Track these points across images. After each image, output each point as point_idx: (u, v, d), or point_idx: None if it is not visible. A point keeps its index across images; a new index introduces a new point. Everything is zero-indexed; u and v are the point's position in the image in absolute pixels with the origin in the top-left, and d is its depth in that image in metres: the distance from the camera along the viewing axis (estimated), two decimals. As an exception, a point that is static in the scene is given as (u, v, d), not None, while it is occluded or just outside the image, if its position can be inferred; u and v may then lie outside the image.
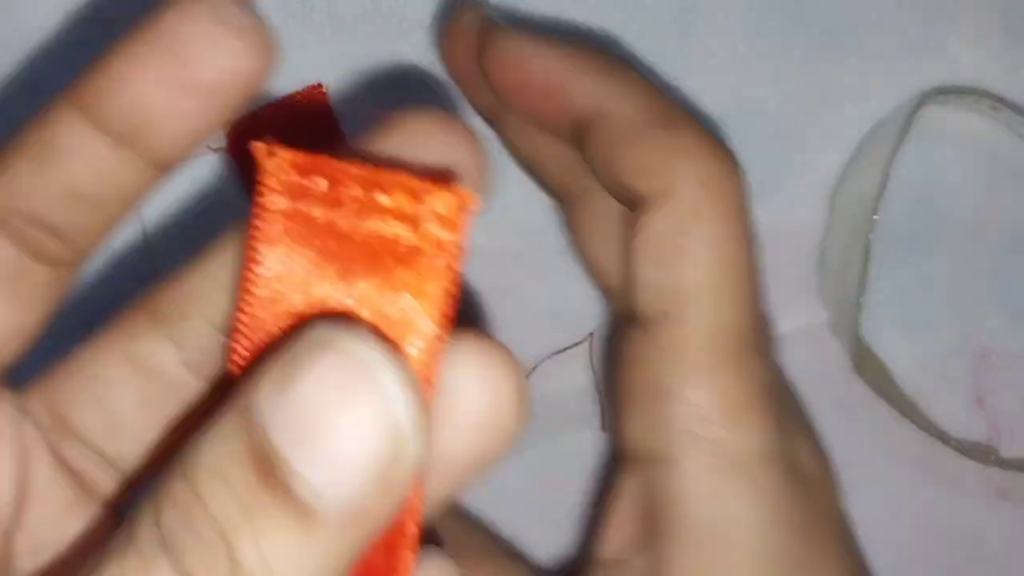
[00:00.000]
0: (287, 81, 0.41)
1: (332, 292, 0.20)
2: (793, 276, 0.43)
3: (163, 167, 0.23)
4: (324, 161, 0.21)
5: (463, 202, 0.21)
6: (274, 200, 0.21)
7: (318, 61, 0.41)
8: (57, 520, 0.23)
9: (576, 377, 0.43)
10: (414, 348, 0.20)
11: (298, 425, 0.17)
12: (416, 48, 0.42)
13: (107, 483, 0.24)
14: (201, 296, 0.23)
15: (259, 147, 0.21)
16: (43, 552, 0.23)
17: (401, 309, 0.20)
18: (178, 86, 0.22)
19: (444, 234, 0.20)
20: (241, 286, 0.21)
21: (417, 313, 0.20)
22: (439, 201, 0.21)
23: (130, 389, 0.24)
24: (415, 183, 0.21)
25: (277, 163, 0.21)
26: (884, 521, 0.44)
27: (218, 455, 0.18)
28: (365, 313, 0.20)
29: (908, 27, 0.43)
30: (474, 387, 0.21)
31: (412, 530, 0.20)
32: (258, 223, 0.21)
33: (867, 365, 0.43)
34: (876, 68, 0.43)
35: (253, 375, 0.18)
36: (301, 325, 0.19)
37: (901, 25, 0.43)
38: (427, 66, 0.42)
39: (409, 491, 0.18)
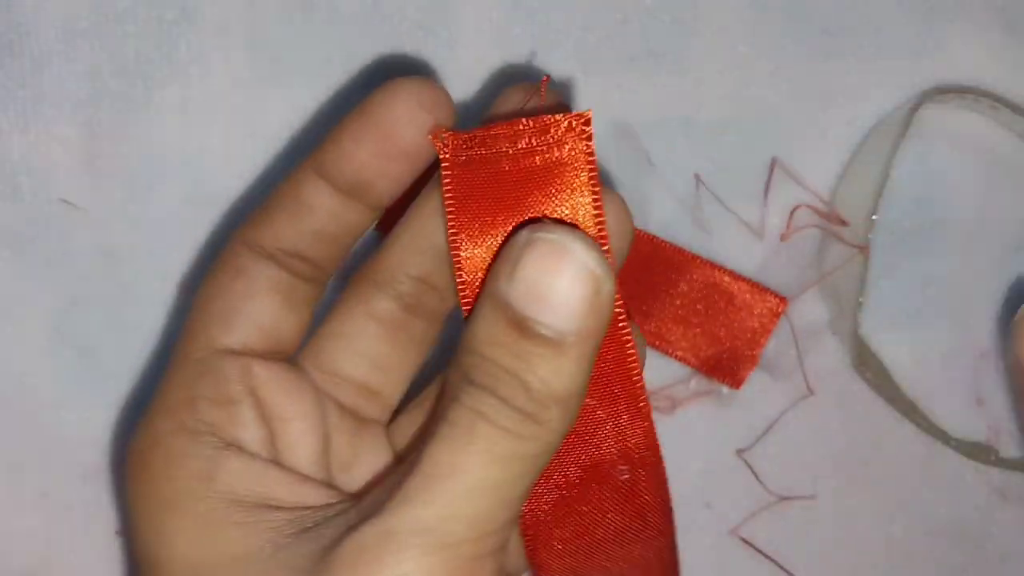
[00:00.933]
0: (288, 80, 0.41)
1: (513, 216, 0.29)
2: (793, 275, 0.43)
3: (379, 210, 0.32)
4: (476, 132, 0.30)
5: (587, 118, 0.29)
6: (450, 170, 0.30)
7: (318, 60, 0.41)
8: (348, 446, 0.32)
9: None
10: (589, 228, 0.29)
11: (530, 293, 0.27)
12: (416, 48, 0.42)
13: (373, 409, 0.33)
14: (401, 260, 0.32)
15: (432, 133, 0.31)
16: (349, 468, 0.32)
17: (564, 211, 0.29)
18: (386, 155, 0.31)
19: (581, 147, 0.29)
20: (448, 239, 0.30)
21: (582, 210, 0.29)
22: (569, 122, 0.29)
23: (377, 337, 0.32)
24: (546, 120, 0.29)
25: (445, 141, 0.30)
26: (884, 521, 0.44)
27: (487, 332, 0.27)
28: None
29: (908, 27, 0.43)
30: (613, 223, 0.30)
31: (626, 332, 0.29)
32: (446, 191, 0.30)
33: (867, 364, 0.43)
34: (876, 68, 0.43)
35: (488, 276, 0.28)
36: (507, 239, 0.29)
37: (901, 25, 0.43)
38: (427, 66, 0.42)
39: (613, 311, 0.28)
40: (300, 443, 0.31)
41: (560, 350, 0.27)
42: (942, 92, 0.43)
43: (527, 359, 0.27)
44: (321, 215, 0.31)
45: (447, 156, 0.30)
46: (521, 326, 0.27)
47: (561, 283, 0.27)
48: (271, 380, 0.31)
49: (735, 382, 0.43)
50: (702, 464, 0.43)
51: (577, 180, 0.29)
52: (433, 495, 0.26)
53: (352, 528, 0.27)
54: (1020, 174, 0.44)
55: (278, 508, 0.29)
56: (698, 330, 0.42)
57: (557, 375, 0.27)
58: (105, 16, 0.41)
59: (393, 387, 0.33)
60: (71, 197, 0.41)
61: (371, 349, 0.32)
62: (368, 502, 0.28)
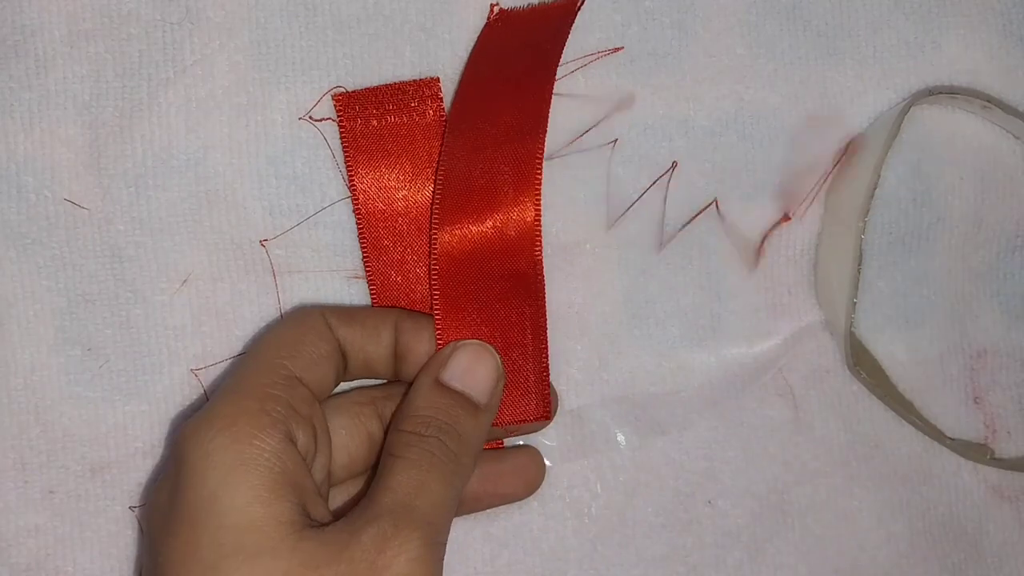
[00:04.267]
0: (290, 82, 0.42)
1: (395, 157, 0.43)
2: (792, 275, 0.44)
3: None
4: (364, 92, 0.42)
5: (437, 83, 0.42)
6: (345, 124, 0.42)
7: (321, 63, 0.42)
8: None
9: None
10: None
11: (462, 374, 0.39)
12: (417, 49, 0.42)
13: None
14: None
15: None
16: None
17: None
18: None
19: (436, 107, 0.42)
20: (346, 168, 0.42)
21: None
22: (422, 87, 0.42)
23: (361, 445, 0.41)
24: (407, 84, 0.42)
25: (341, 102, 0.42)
26: (882, 520, 0.44)
27: (429, 401, 0.38)
28: None
29: (905, 29, 0.43)
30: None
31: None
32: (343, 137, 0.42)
33: (862, 364, 0.43)
34: (874, 69, 0.43)
35: (422, 371, 0.40)
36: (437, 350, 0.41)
37: (898, 27, 0.43)
38: (428, 68, 0.42)
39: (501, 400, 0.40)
40: (318, 470, 0.39)
41: (477, 412, 0.39)
42: (932, 94, 0.43)
43: (456, 418, 0.38)
44: (383, 352, 0.40)
45: (342, 113, 0.42)
46: (454, 396, 0.39)
47: (482, 370, 0.39)
48: (320, 417, 0.39)
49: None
50: (704, 464, 0.44)
51: (433, 141, 0.41)
52: (417, 503, 0.36)
53: (366, 523, 0.35)
54: (1015, 173, 0.44)
55: (307, 505, 0.36)
56: None
57: (474, 429, 0.38)
58: (109, 18, 0.41)
59: (344, 479, 0.41)
60: (76, 197, 0.41)
61: (353, 452, 0.41)
62: (358, 514, 0.36)
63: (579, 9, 0.41)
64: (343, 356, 0.40)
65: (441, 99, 0.42)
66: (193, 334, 0.42)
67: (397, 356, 0.40)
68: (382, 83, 0.42)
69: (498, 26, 0.42)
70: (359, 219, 0.42)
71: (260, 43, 0.42)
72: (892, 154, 0.42)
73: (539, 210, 0.39)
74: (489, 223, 0.40)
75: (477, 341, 0.40)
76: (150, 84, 0.41)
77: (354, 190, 0.42)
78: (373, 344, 0.40)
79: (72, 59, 0.41)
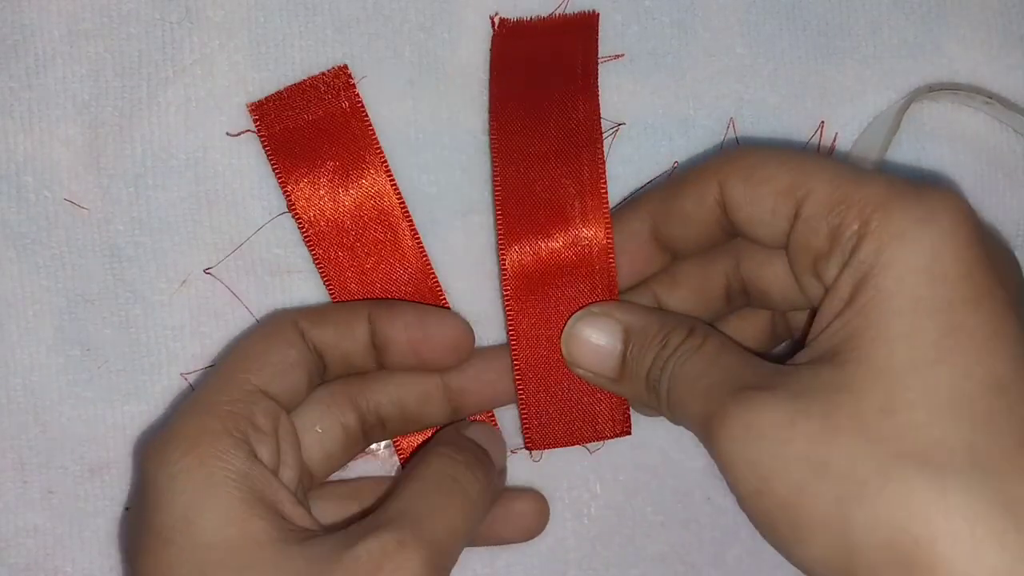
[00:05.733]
0: (290, 82, 0.42)
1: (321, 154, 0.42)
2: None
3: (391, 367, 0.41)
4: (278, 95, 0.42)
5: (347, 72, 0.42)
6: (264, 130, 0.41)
7: (321, 63, 0.42)
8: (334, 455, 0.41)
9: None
10: None
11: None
12: (417, 49, 0.42)
13: (376, 434, 0.41)
14: (387, 395, 0.42)
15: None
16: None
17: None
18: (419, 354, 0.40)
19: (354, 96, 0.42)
20: (277, 179, 0.41)
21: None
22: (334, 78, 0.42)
23: (336, 441, 0.40)
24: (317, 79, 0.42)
25: (258, 110, 0.41)
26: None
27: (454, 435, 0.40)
28: None
29: (905, 28, 0.43)
30: None
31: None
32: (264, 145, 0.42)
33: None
34: (873, 69, 0.43)
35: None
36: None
37: (898, 26, 0.43)
38: (428, 68, 0.42)
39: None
40: (286, 481, 0.38)
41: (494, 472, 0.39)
42: (934, 89, 0.43)
43: (483, 458, 0.38)
44: (359, 347, 0.40)
45: (259, 121, 0.41)
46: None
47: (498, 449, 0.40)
48: (286, 426, 0.38)
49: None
50: (704, 462, 0.44)
51: (359, 125, 0.41)
52: (427, 522, 0.35)
53: (366, 533, 0.34)
54: (1015, 172, 0.44)
55: (285, 517, 0.35)
56: None
57: (492, 482, 0.38)
58: (109, 17, 0.41)
59: (325, 474, 0.41)
60: (75, 197, 0.41)
61: (328, 447, 0.40)
62: (361, 526, 0.35)
63: (597, 23, 0.41)
64: (320, 357, 0.39)
65: (354, 86, 0.41)
66: (192, 334, 0.42)
67: (377, 347, 0.40)
68: (381, 82, 0.42)
69: (503, 34, 0.42)
70: (301, 225, 0.41)
71: (260, 43, 0.42)
72: (896, 150, 0.42)
73: (610, 230, 0.39)
74: (558, 238, 0.40)
75: (487, 424, 0.42)
76: (150, 84, 0.41)
77: (290, 197, 0.41)
78: (348, 340, 0.39)
79: (72, 59, 0.41)
